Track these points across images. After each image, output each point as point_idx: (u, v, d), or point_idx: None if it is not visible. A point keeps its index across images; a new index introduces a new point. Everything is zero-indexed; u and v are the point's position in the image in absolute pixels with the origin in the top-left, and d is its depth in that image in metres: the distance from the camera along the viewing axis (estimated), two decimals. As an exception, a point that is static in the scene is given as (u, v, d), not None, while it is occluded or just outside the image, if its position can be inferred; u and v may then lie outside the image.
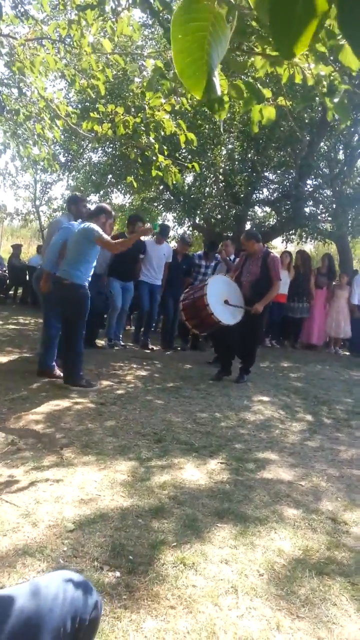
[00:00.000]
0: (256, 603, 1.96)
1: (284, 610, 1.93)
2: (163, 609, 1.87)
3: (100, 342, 7.34)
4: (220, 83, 2.62)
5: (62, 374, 5.08)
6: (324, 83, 2.21)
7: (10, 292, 12.76)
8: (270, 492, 2.98)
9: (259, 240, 5.89)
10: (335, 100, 2.18)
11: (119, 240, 4.79)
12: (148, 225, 4.90)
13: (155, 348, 7.60)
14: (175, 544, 2.31)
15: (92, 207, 6.01)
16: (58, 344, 5.15)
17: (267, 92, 2.30)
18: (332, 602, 2.01)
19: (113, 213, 5.23)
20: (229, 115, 9.94)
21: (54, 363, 5.16)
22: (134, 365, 6.30)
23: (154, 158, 5.12)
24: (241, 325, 5.61)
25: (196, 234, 16.09)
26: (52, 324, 5.13)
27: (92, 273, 4.90)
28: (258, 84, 2.30)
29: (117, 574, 2.05)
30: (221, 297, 5.60)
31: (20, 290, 12.74)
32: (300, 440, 4.05)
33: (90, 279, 4.88)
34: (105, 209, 5.05)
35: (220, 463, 3.36)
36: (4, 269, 12.39)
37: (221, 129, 9.38)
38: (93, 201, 15.74)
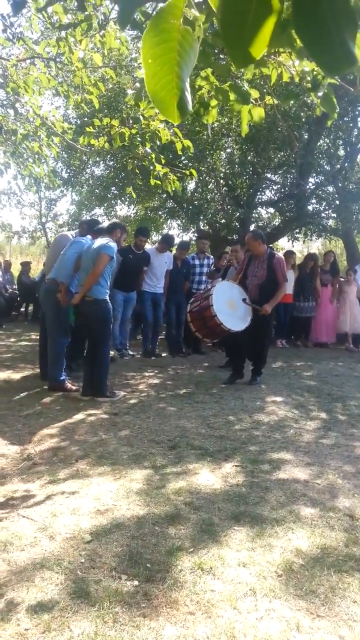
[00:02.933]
0: (275, 604, 1.95)
1: (303, 610, 1.92)
2: (182, 615, 1.87)
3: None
4: (205, 87, 2.66)
5: (73, 387, 5.12)
6: (308, 79, 2.22)
7: (22, 310, 12.86)
8: (286, 492, 2.97)
9: (264, 241, 5.89)
10: (320, 94, 2.18)
11: (92, 274, 4.81)
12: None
13: (163, 355, 7.62)
14: (192, 549, 2.31)
15: (104, 221, 6.06)
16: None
17: (254, 93, 2.32)
18: (352, 600, 1.99)
19: (126, 228, 5.33)
20: (225, 119, 9.99)
21: (63, 377, 5.19)
22: (146, 374, 6.32)
23: (152, 167, 5.15)
24: (251, 328, 5.60)
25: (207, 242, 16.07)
26: (57, 340, 5.16)
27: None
28: (245, 86, 2.31)
29: (135, 582, 2.05)
30: (228, 304, 5.59)
31: (30, 307, 12.83)
32: (315, 438, 4.02)
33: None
34: (119, 225, 5.24)
35: (235, 466, 3.35)
36: (14, 287, 12.49)
37: (209, 133, 9.40)
38: (98, 214, 15.87)
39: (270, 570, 2.17)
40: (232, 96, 2.27)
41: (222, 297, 5.60)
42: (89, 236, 5.39)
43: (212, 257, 8.60)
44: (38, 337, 5.99)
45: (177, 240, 9.49)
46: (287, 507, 2.77)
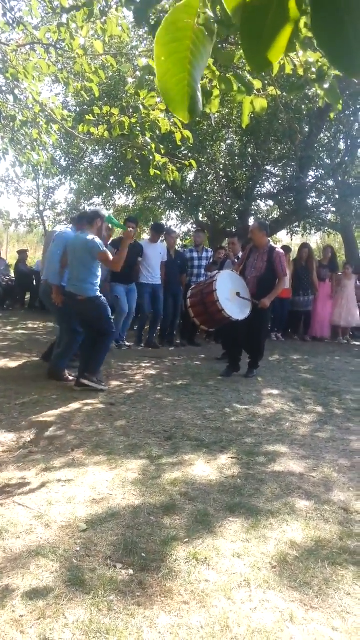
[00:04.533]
0: (269, 595, 1.96)
1: (297, 602, 1.93)
2: (176, 605, 1.87)
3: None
4: (207, 76, 2.64)
5: (70, 378, 5.12)
6: (313, 70, 2.20)
7: (18, 297, 12.82)
8: (281, 484, 2.98)
9: (268, 233, 5.88)
10: (325, 86, 2.17)
11: (115, 257, 4.81)
12: (130, 230, 4.93)
13: (158, 345, 7.64)
14: (187, 539, 2.32)
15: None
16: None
17: (257, 83, 2.29)
18: (345, 592, 2.00)
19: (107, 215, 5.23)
20: (226, 110, 9.92)
21: (64, 367, 5.20)
22: (143, 365, 6.32)
23: (151, 157, 5.12)
24: (248, 321, 5.61)
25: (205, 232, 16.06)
26: (74, 332, 5.16)
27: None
28: (248, 76, 2.29)
29: (130, 571, 2.06)
30: (230, 292, 5.59)
31: (27, 296, 12.80)
32: (311, 432, 4.04)
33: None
34: (100, 213, 5.04)
35: (231, 458, 3.36)
36: (9, 276, 12.43)
37: (212, 123, 9.35)
38: (96, 203, 15.80)
39: (265, 561, 2.18)
40: (235, 86, 2.25)
41: (225, 285, 5.60)
42: (69, 226, 5.37)
43: (210, 250, 8.59)
44: (37, 327, 5.97)
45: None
46: (282, 499, 2.78)
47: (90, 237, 4.75)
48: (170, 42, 0.81)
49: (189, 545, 2.27)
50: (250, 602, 1.91)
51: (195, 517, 2.52)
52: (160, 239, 7.88)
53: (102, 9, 4.03)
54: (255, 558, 2.20)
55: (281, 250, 5.92)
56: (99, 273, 4.94)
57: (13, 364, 5.93)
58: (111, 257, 4.83)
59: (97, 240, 4.75)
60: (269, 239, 6.00)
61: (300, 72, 2.40)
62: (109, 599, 1.88)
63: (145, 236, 11.68)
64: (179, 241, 12.96)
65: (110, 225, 5.32)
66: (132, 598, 1.90)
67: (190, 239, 14.46)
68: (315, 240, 22.82)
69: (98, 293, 4.91)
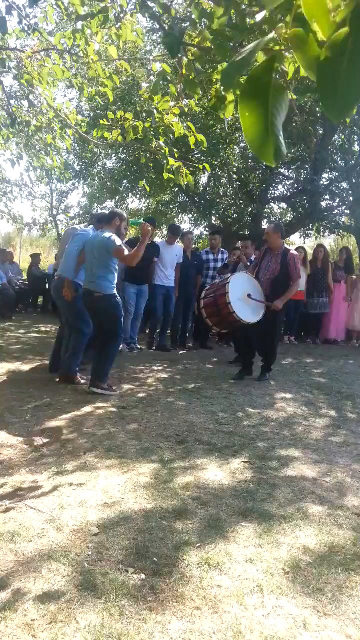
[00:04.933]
0: (282, 602, 1.94)
1: (310, 608, 1.91)
2: (189, 610, 1.87)
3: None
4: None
5: (82, 381, 5.14)
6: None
7: (31, 301, 12.90)
8: (294, 489, 2.96)
9: (284, 236, 5.88)
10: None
11: (132, 252, 4.81)
12: (147, 225, 4.91)
13: (169, 348, 7.64)
14: (199, 544, 2.31)
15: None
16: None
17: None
18: (359, 599, 1.98)
19: (126, 216, 5.26)
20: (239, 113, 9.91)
21: (77, 370, 5.22)
22: (155, 368, 6.32)
23: (165, 161, 5.13)
24: (262, 323, 5.59)
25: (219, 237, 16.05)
26: (81, 332, 5.16)
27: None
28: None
29: (142, 576, 2.05)
30: (243, 295, 5.59)
31: (40, 299, 12.88)
32: (324, 436, 4.00)
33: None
34: (118, 213, 5.14)
35: (244, 462, 3.35)
36: (22, 279, 12.51)
37: (226, 127, 9.35)
38: (109, 207, 15.87)
39: (278, 567, 2.16)
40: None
41: (238, 288, 5.61)
42: (91, 226, 5.39)
43: (226, 251, 8.55)
44: (50, 330, 5.99)
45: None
46: (295, 504, 2.76)
47: (107, 234, 4.79)
48: (253, 99, 0.92)
49: (201, 550, 2.26)
50: (263, 609, 1.90)
51: (207, 521, 2.51)
52: (177, 241, 7.90)
53: (116, 15, 4.06)
54: (268, 564, 2.18)
55: (295, 252, 5.90)
56: (116, 271, 4.95)
57: (26, 367, 5.97)
58: (127, 253, 4.83)
59: (115, 237, 4.79)
60: (284, 241, 5.98)
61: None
62: (121, 604, 1.88)
63: (158, 239, 11.69)
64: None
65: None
66: (144, 603, 1.89)
67: (203, 242, 14.46)
68: (328, 242, 22.68)
69: (115, 292, 4.93)
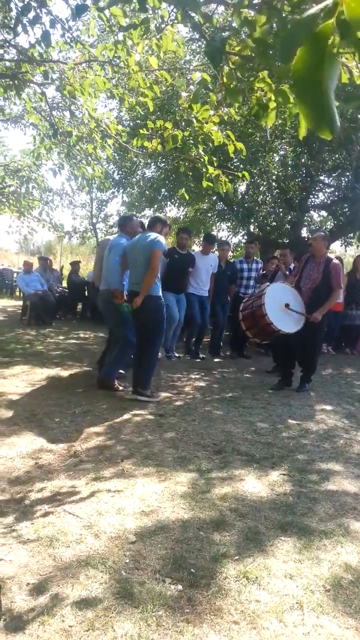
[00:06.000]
0: (323, 620, 1.88)
1: (352, 629, 1.84)
2: (226, 624, 1.83)
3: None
4: (264, 89, 2.62)
5: (120, 388, 5.17)
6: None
7: (70, 307, 13.11)
8: (335, 504, 2.88)
9: (329, 245, 5.79)
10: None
11: (154, 269, 4.80)
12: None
13: (204, 357, 7.61)
14: (237, 557, 2.27)
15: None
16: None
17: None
18: None
19: (168, 222, 5.31)
20: (279, 121, 9.85)
21: (115, 377, 5.26)
22: (192, 376, 6.30)
23: (204, 170, 5.14)
24: (301, 333, 5.51)
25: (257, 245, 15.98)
26: (127, 341, 5.17)
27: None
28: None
29: (179, 587, 2.03)
30: (280, 305, 5.53)
31: (79, 306, 13.07)
32: (366, 449, 3.89)
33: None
34: (160, 219, 5.23)
35: (283, 474, 3.28)
36: (62, 286, 12.73)
37: (267, 136, 9.30)
38: (147, 215, 16.01)
39: (318, 584, 2.10)
40: (291, 98, 2.22)
41: (275, 298, 5.57)
42: (123, 235, 5.43)
43: (260, 261, 8.52)
44: (88, 336, 6.05)
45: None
46: (336, 519, 2.69)
47: (154, 235, 4.86)
48: (308, 68, 0.90)
49: (239, 563, 2.22)
50: (303, 626, 1.85)
51: (245, 534, 2.47)
52: (213, 250, 7.90)
53: (157, 25, 4.11)
54: (308, 580, 2.12)
55: (338, 262, 5.78)
56: (159, 274, 4.96)
57: (65, 373, 6.05)
58: (157, 262, 4.83)
59: (161, 238, 4.86)
60: (327, 250, 5.89)
61: (358, 81, 2.34)
62: (158, 614, 1.86)
63: (196, 247, 11.71)
64: (230, 253, 12.96)
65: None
66: (181, 615, 1.87)
67: (240, 250, 14.39)
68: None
69: (160, 294, 4.95)
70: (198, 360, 7.42)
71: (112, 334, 5.64)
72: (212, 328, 7.98)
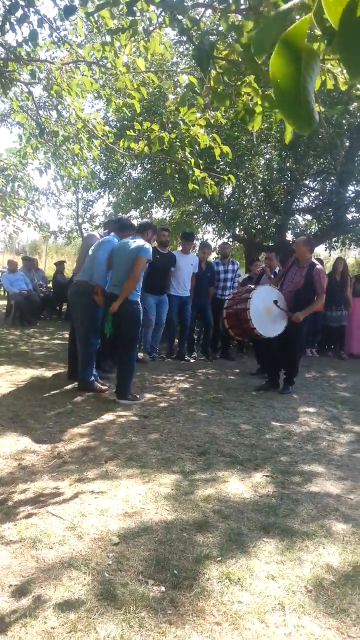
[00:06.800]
0: (304, 621, 1.90)
1: (333, 629, 1.87)
2: (208, 625, 1.84)
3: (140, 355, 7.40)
4: (250, 93, 2.65)
5: (103, 387, 5.15)
6: (359, 86, 2.17)
7: (55, 308, 13.04)
8: (317, 506, 2.91)
9: (312, 250, 5.87)
10: (370, 102, 2.14)
11: (136, 276, 4.81)
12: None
13: (192, 360, 7.62)
14: (220, 558, 2.28)
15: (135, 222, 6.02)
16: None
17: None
18: (384, 621, 1.93)
19: (157, 230, 5.33)
20: (265, 125, 9.92)
21: (93, 378, 5.21)
22: (177, 378, 6.31)
23: (190, 172, 5.16)
24: (282, 336, 5.58)
25: (237, 244, 16.06)
26: (88, 341, 5.13)
27: None
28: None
29: (162, 588, 2.04)
30: (264, 309, 5.60)
31: (64, 306, 13.00)
32: (349, 452, 3.93)
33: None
34: (152, 226, 5.25)
35: (266, 476, 3.31)
36: (47, 286, 12.65)
37: (254, 140, 9.36)
38: (133, 216, 16.00)
39: (300, 585, 2.12)
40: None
41: (259, 302, 5.62)
42: (112, 233, 5.40)
43: (237, 262, 8.54)
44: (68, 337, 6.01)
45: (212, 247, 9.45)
46: (318, 521, 2.71)
47: (142, 242, 4.88)
48: (285, 65, 0.88)
49: (222, 564, 2.23)
50: (285, 627, 1.86)
51: (228, 535, 2.49)
52: (194, 251, 7.91)
53: (145, 27, 4.12)
54: (290, 581, 2.14)
55: (322, 267, 5.84)
56: (140, 281, 4.96)
57: (49, 373, 6.02)
58: (140, 269, 4.82)
59: (147, 246, 4.89)
60: (311, 255, 5.96)
61: (343, 87, 2.38)
62: (140, 615, 1.86)
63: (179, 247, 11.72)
64: (214, 254, 13.00)
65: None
66: (164, 616, 1.87)
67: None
68: (354, 255, 22.49)
69: (138, 299, 4.95)
70: (183, 361, 7.43)
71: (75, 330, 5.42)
72: (180, 330, 7.91)
